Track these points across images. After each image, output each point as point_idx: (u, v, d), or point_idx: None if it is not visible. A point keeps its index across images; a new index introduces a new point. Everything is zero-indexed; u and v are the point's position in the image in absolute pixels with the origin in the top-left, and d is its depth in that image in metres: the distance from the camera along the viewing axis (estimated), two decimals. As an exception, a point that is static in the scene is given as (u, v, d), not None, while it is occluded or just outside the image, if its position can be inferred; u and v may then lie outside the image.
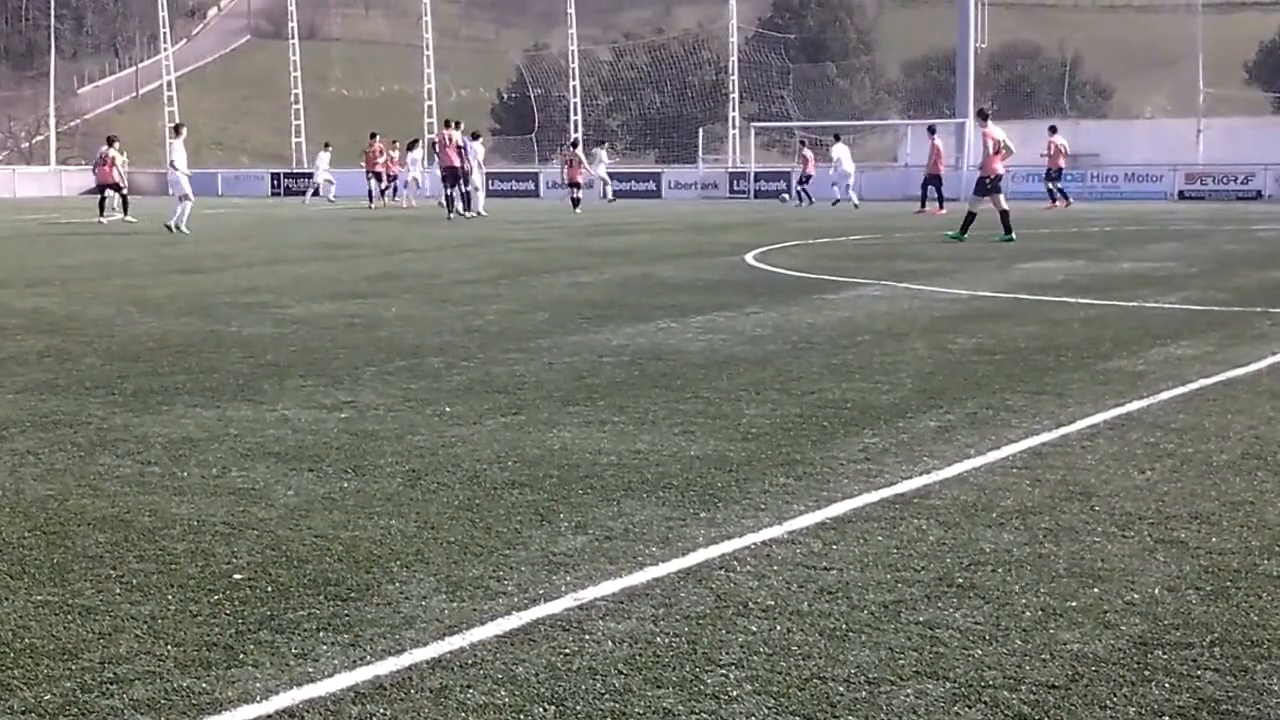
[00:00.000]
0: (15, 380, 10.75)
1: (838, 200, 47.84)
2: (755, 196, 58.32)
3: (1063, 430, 8.64)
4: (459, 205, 40.73)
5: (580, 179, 47.59)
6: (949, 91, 74.04)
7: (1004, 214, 27.69)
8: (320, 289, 18.31)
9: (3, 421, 9.07)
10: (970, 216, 28.28)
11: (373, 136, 52.32)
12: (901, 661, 4.79)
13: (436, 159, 42.84)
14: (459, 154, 41.10)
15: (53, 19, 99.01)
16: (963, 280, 18.89)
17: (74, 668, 4.76)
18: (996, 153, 28.27)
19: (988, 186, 28.22)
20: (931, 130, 43.48)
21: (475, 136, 44.34)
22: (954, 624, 5.15)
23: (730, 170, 66.24)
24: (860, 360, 11.54)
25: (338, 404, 9.64)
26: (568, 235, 31.79)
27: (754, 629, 5.11)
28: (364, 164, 52.81)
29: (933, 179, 41.62)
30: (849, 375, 10.76)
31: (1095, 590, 5.55)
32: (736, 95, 76.01)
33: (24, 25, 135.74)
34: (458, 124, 43.07)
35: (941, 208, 39.89)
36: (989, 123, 29.55)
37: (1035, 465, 7.71)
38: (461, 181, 41.08)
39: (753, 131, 69.27)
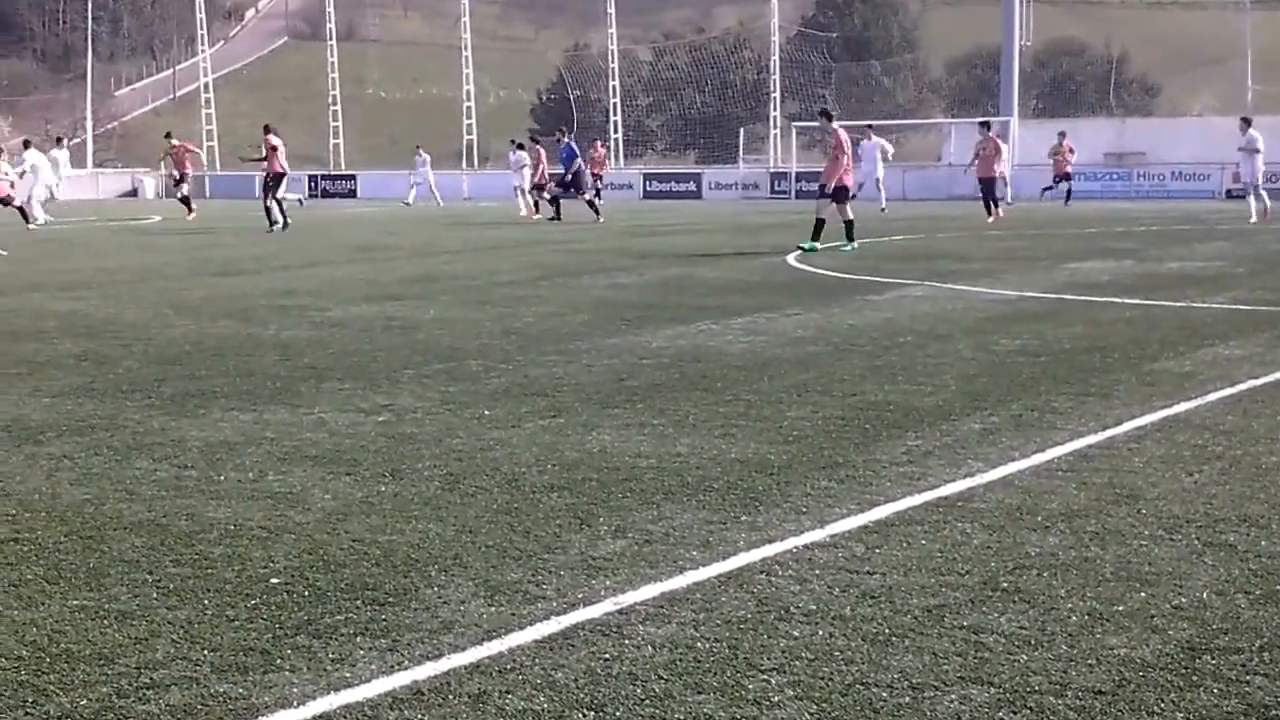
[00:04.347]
0: (52, 384, 10.76)
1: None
2: (797, 197, 58.13)
3: (1109, 432, 8.55)
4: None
5: (603, 172, 47.90)
6: (993, 90, 73.76)
7: (819, 223, 25.68)
8: (358, 291, 18.32)
9: (39, 425, 9.08)
10: (820, 224, 25.80)
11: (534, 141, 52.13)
12: (946, 667, 4.73)
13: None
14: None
15: (90, 21, 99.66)
16: (1007, 280, 18.77)
17: (110, 673, 4.73)
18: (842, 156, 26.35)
19: (847, 194, 26.41)
20: (986, 126, 39.65)
21: (520, 146, 44.24)
22: (999, 629, 5.09)
23: (771, 170, 66.18)
24: (903, 361, 11.46)
25: (375, 407, 9.61)
26: (606, 236, 31.78)
27: (796, 634, 5.06)
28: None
29: (987, 182, 37.62)
30: (892, 377, 10.68)
31: (1142, 594, 5.47)
32: (778, 94, 75.97)
33: (61, 28, 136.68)
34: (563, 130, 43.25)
35: (991, 214, 36.60)
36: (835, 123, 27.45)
37: (1081, 468, 7.62)
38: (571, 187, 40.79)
39: (794, 131, 69.08)
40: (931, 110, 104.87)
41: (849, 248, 25.20)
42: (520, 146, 44.25)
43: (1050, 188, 47.80)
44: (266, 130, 35.75)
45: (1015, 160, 50.90)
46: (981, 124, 40.30)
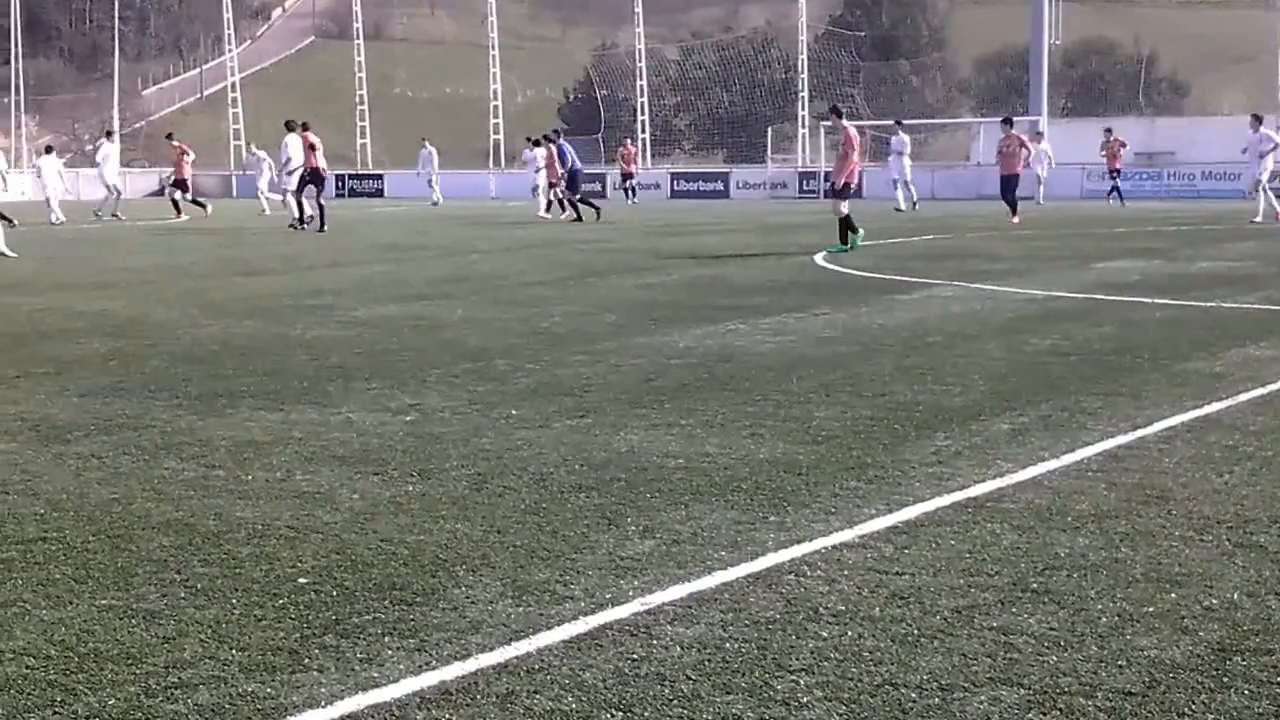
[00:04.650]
0: (80, 383, 10.79)
1: (912, 205, 44.26)
2: (825, 196, 57.93)
3: (1139, 432, 8.51)
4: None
5: (634, 169, 47.80)
6: (1022, 89, 73.52)
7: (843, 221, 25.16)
8: (385, 291, 18.34)
9: (67, 425, 9.10)
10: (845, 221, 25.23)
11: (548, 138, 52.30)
12: (975, 668, 4.71)
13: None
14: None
15: (116, 21, 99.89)
16: (1037, 280, 18.70)
17: (138, 672, 4.74)
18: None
19: (850, 191, 25.69)
20: (1008, 122, 38.76)
21: (536, 143, 43.99)
22: (1029, 630, 5.07)
23: (800, 170, 66.07)
24: (932, 362, 11.42)
25: (403, 407, 9.61)
26: (634, 236, 31.77)
27: (824, 634, 5.04)
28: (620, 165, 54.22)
29: (1010, 179, 36.57)
30: (920, 377, 10.65)
31: (1173, 595, 5.44)
32: (806, 94, 75.81)
33: (88, 27, 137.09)
34: (557, 133, 43.13)
35: (1015, 214, 35.79)
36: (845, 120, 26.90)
37: (1111, 468, 7.59)
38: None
39: (822, 130, 68.79)
40: (960, 109, 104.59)
41: (837, 248, 24.45)
42: (536, 143, 43.91)
43: (1115, 189, 47.19)
44: (305, 128, 35.60)
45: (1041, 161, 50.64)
46: (1004, 121, 39.66)
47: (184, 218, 42.25)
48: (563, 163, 40.25)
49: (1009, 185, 36.22)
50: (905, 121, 52.63)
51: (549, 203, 41.31)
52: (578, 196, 40.26)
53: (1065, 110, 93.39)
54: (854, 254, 24.01)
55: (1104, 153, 47.80)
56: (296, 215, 34.52)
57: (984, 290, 17.44)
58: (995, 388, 10.14)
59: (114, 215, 42.89)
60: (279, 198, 44.53)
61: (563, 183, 40.42)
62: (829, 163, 62.91)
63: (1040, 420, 8.92)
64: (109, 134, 48.11)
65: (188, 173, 44.67)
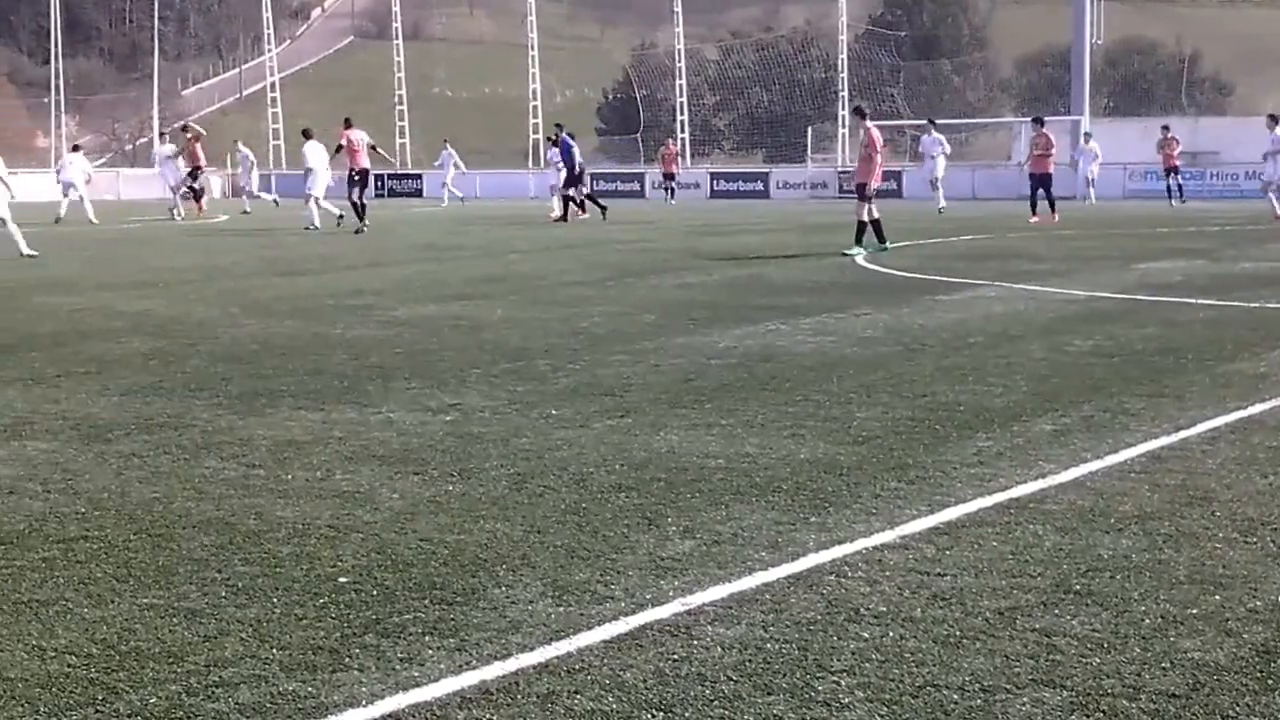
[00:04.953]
0: (120, 383, 10.84)
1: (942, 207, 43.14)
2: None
3: (1182, 434, 8.45)
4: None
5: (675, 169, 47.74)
6: (1063, 89, 73.20)
7: (875, 223, 24.57)
8: (424, 291, 18.37)
9: (108, 424, 9.14)
10: (876, 224, 24.64)
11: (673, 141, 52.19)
12: (1017, 669, 4.69)
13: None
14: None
15: (156, 20, 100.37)
16: (1079, 281, 18.61)
17: (179, 671, 4.75)
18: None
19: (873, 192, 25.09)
20: (1039, 121, 38.74)
21: (554, 142, 43.58)
22: (1071, 631, 5.04)
23: (840, 169, 65.86)
24: (974, 362, 11.38)
25: (443, 406, 9.62)
26: (674, 236, 31.75)
27: (866, 635, 5.02)
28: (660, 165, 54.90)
29: (1042, 179, 36.33)
30: (962, 378, 10.61)
31: (1216, 597, 5.41)
32: (846, 93, 75.65)
33: (128, 27, 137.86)
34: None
35: (1053, 212, 35.81)
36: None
37: (1154, 469, 7.54)
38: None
39: (862, 131, 68.75)
40: (1001, 109, 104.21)
41: (856, 251, 23.79)
42: (555, 141, 43.58)
43: (1178, 188, 46.75)
44: (348, 125, 35.44)
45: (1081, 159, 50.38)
46: (1034, 120, 39.50)
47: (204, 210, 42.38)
48: (566, 159, 40.22)
49: (1040, 183, 36.00)
50: (944, 121, 52.35)
51: (568, 202, 41.25)
52: (585, 194, 40.13)
53: (1107, 110, 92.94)
54: (894, 254, 23.91)
55: (1162, 152, 47.28)
56: (357, 217, 33.62)
57: (1026, 290, 17.36)
58: (1037, 388, 10.09)
59: (172, 213, 43.20)
60: (271, 197, 44.83)
61: (560, 179, 40.42)
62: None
63: (1083, 421, 8.87)
64: (161, 136, 48.55)
65: (201, 159, 44.64)
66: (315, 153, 36.40)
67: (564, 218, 39.08)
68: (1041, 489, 7.13)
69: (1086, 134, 51.18)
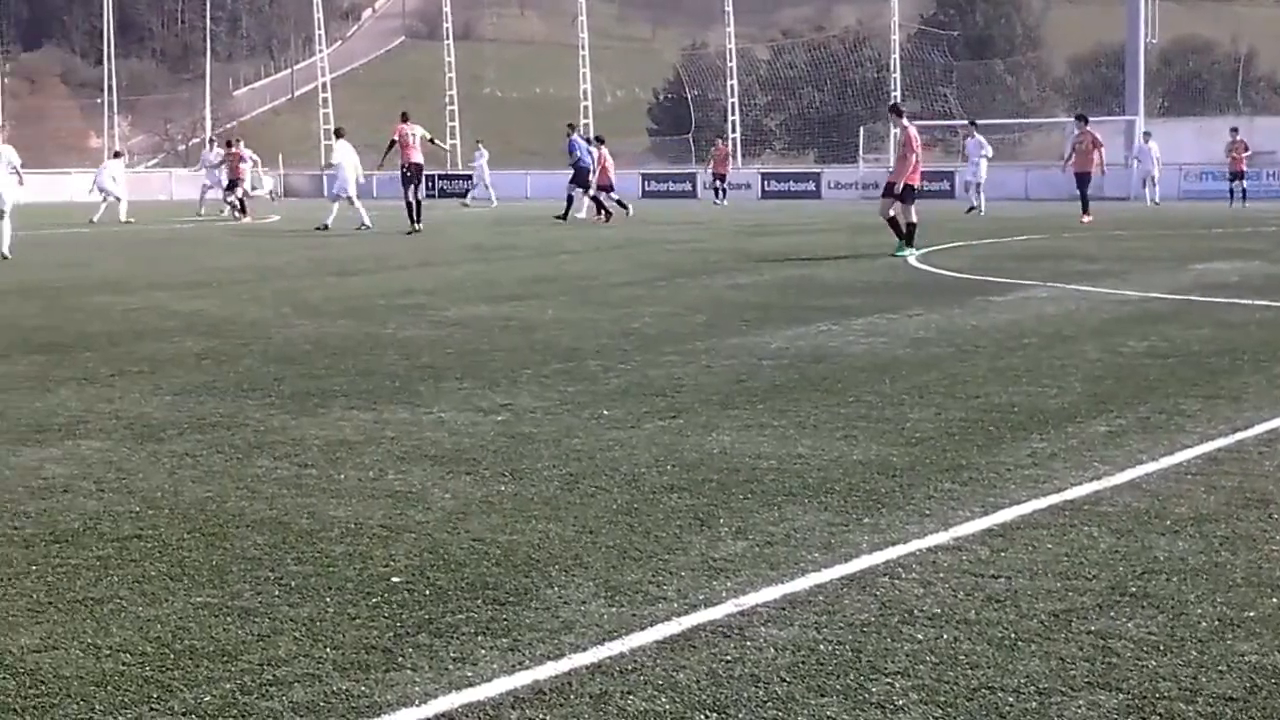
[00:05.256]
0: (173, 382, 10.89)
1: (972, 209, 42.33)
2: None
3: (1239, 435, 8.39)
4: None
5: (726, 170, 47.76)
6: (1118, 88, 72.75)
7: (909, 225, 24.08)
8: (476, 291, 18.40)
9: (162, 423, 9.18)
10: (911, 227, 24.10)
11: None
12: (1073, 672, 4.66)
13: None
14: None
15: (208, 21, 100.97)
16: (1133, 281, 18.49)
17: (233, 669, 4.76)
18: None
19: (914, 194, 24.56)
20: (1082, 120, 37.90)
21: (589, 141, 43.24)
22: (1127, 634, 5.00)
23: (891, 170, 65.59)
24: (1027, 363, 11.31)
25: (494, 407, 9.63)
26: (724, 236, 31.71)
27: (920, 637, 4.99)
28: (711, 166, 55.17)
29: (1083, 177, 35.78)
30: (1015, 379, 10.55)
31: (1274, 600, 5.37)
32: (898, 93, 75.28)
33: (180, 27, 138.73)
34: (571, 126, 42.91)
35: (1086, 212, 35.26)
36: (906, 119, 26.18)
37: (1210, 471, 7.48)
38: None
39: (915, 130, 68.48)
40: (1055, 109, 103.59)
41: (907, 253, 23.44)
42: (590, 141, 43.37)
43: (1242, 191, 46.30)
44: (405, 119, 35.00)
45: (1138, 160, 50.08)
46: (1078, 117, 38.78)
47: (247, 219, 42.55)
48: (572, 156, 40.20)
49: (1083, 183, 35.67)
50: (997, 121, 52.04)
51: (599, 204, 41.25)
52: (591, 194, 40.01)
53: (1161, 110, 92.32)
54: (946, 255, 23.82)
55: (1231, 155, 46.78)
56: (410, 219, 33.28)
57: (1079, 291, 17.26)
58: (1092, 389, 10.03)
59: (234, 213, 43.56)
60: (265, 191, 44.93)
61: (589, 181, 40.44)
62: (923, 163, 62.51)
63: (1138, 422, 8.81)
64: (210, 141, 49.03)
65: (243, 174, 44.86)
66: (345, 152, 36.48)
67: (606, 216, 38.97)
68: (1096, 491, 7.08)
69: (1146, 133, 50.77)
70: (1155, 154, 48.10)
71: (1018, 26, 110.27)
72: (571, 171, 40.58)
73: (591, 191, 40.62)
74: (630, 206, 41.28)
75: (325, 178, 37.00)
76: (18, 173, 25.94)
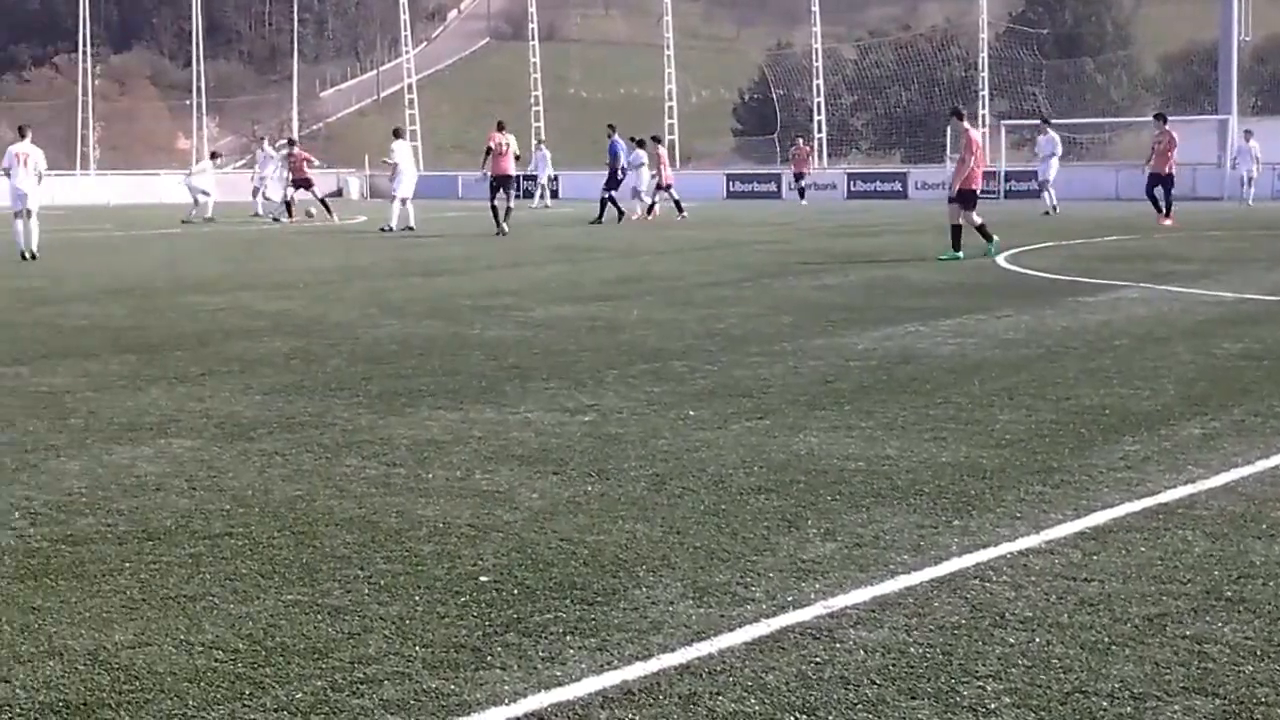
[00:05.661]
0: (263, 382, 10.98)
1: (1052, 209, 40.93)
2: (1005, 197, 57.05)
3: (1337, 438, 8.25)
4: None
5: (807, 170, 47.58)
6: (1210, 87, 71.89)
7: (956, 229, 23.64)
8: (561, 292, 18.44)
9: (251, 422, 9.26)
10: (957, 230, 23.62)
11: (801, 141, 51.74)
12: (1168, 677, 4.61)
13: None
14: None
15: (295, 23, 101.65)
16: (1227, 282, 18.25)
17: (324, 666, 4.79)
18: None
19: (975, 199, 24.06)
20: (1161, 119, 36.58)
21: (640, 144, 43.00)
22: (1223, 639, 4.94)
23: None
24: (1119, 365, 11.19)
25: (581, 407, 9.64)
26: (810, 236, 31.62)
27: (1012, 640, 4.95)
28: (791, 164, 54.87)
29: (1163, 179, 34.74)
30: (1107, 380, 10.44)
31: (1376, 606, 5.27)
32: (986, 92, 74.81)
33: (267, 30, 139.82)
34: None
35: (1163, 214, 34.09)
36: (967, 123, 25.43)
37: (1308, 474, 7.37)
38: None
39: (1003, 130, 67.83)
40: (1145, 108, 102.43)
41: (990, 249, 23.14)
42: (640, 144, 42.67)
43: None
44: (500, 128, 34.85)
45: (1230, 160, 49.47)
46: (1156, 117, 37.81)
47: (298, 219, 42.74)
48: (613, 160, 40.07)
49: (1160, 183, 34.70)
50: (1087, 120, 51.46)
51: (650, 204, 41.17)
52: (609, 195, 39.84)
53: (1255, 109, 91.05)
54: (1035, 255, 23.61)
55: None
56: (496, 222, 32.94)
57: (1171, 292, 17.06)
58: (1185, 392, 9.91)
59: (308, 213, 43.92)
60: (276, 199, 44.97)
61: (641, 181, 40.30)
62: (1010, 162, 62.14)
63: (1233, 425, 8.69)
64: (291, 141, 49.22)
65: (306, 173, 45.02)
66: (402, 152, 36.53)
67: (600, 219, 38.82)
68: (1191, 494, 6.99)
69: (1247, 132, 49.93)
70: (1256, 153, 47.38)
71: (1108, 24, 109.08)
72: (606, 174, 40.51)
73: (643, 192, 40.65)
74: (656, 210, 41.17)
75: (387, 179, 37.13)
76: (40, 175, 26.49)
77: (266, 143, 51.99)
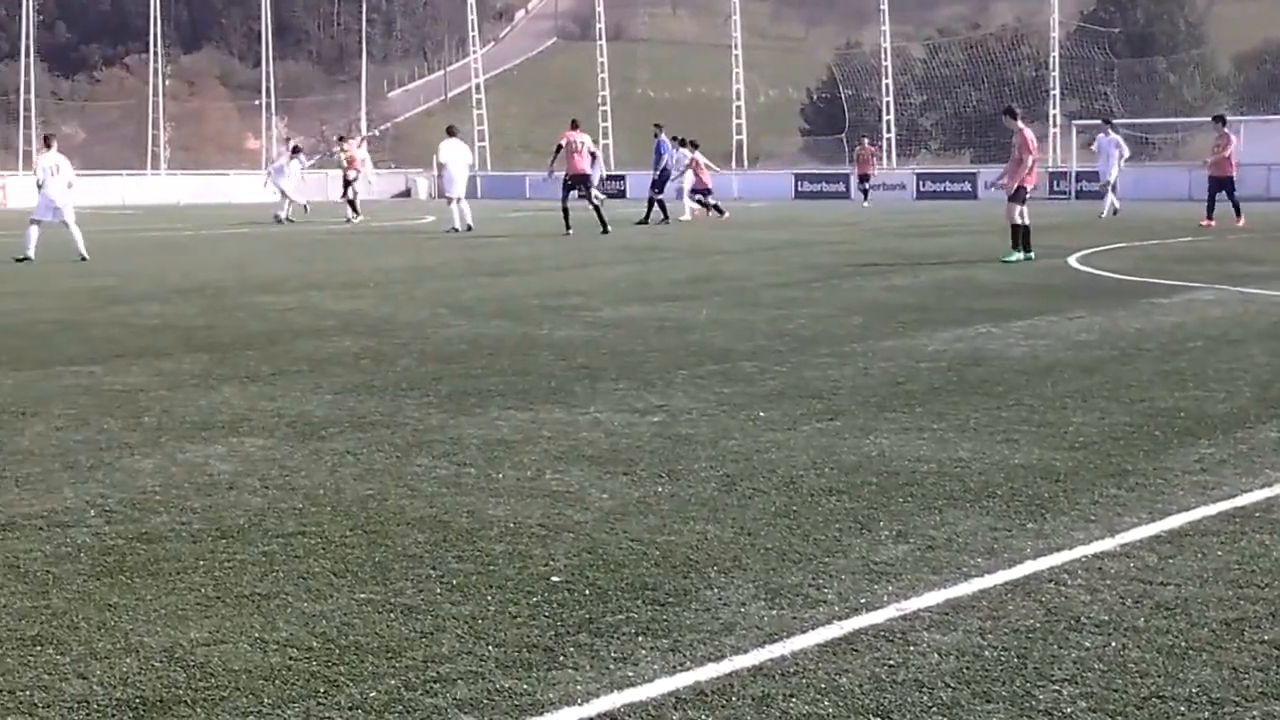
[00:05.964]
0: (334, 381, 11.03)
1: (1113, 211, 39.82)
2: (1076, 197, 56.61)
3: None
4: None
5: (871, 170, 49.15)
6: (1283, 86, 71.10)
7: (1024, 229, 23.30)
8: (629, 292, 18.44)
9: (322, 421, 9.31)
10: (1025, 230, 23.30)
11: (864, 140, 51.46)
12: (1247, 682, 4.56)
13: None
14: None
15: (364, 23, 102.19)
16: (1300, 283, 18.05)
17: (398, 665, 4.81)
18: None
19: (1024, 196, 23.80)
20: (1221, 120, 35.94)
21: (684, 144, 42.16)
22: (1303, 645, 4.88)
23: (1050, 170, 64.70)
24: (1193, 367, 11.08)
25: (650, 407, 9.63)
26: (879, 237, 31.51)
27: (1087, 644, 4.91)
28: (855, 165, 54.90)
29: (1223, 181, 34.06)
30: (1181, 383, 10.34)
31: None
32: (1057, 92, 74.38)
33: (335, 30, 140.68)
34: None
35: (1239, 216, 33.31)
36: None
37: (1388, 478, 7.27)
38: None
39: (1074, 130, 67.34)
40: (1219, 107, 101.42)
41: (1015, 258, 22.72)
42: (683, 144, 42.01)
43: None
44: (574, 126, 34.34)
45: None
46: (1216, 118, 37.02)
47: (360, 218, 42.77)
48: (658, 159, 39.88)
49: (1221, 186, 33.93)
50: (1159, 120, 50.92)
51: (711, 205, 41.06)
52: (659, 195, 39.61)
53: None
54: (1108, 256, 23.44)
55: None
56: (564, 223, 33.15)
57: (1246, 294, 16.89)
58: (1261, 394, 9.81)
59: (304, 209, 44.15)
60: (301, 200, 44.89)
61: (684, 182, 40.19)
62: (1080, 162, 61.54)
63: (1310, 428, 8.60)
64: (341, 138, 49.33)
65: (363, 168, 45.04)
66: (451, 151, 36.15)
67: (646, 220, 38.65)
68: (1268, 498, 6.92)
69: None
70: None
71: (1180, 23, 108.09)
72: (654, 174, 40.40)
73: (681, 193, 40.58)
74: (687, 215, 41.02)
75: (440, 179, 36.92)
76: (70, 184, 26.76)
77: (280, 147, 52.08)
